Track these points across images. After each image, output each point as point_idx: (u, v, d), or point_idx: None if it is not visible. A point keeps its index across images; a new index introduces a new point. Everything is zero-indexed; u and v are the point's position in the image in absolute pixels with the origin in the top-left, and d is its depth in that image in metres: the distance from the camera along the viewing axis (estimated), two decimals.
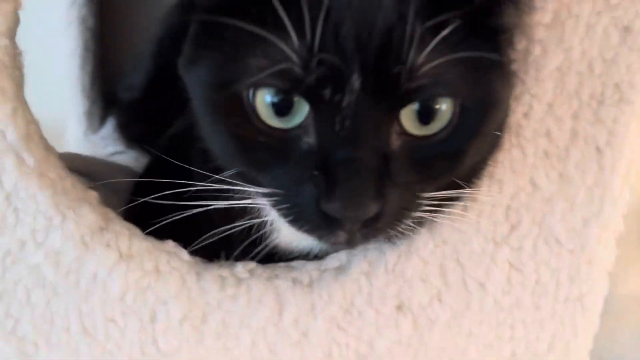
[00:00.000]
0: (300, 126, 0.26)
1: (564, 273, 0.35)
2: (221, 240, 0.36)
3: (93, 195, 0.31)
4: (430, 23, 0.25)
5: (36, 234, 0.29)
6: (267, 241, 0.35)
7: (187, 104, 0.48)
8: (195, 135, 0.34)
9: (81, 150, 0.58)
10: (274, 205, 0.28)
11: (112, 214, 0.31)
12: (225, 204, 0.30)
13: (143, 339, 0.32)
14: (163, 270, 0.31)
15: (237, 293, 0.32)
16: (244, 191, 0.31)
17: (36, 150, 0.29)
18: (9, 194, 0.28)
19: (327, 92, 0.25)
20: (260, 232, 0.34)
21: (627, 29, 0.31)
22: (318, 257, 0.36)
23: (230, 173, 0.30)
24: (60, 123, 0.64)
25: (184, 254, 0.32)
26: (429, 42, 0.25)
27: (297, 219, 0.27)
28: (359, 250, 0.34)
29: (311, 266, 0.33)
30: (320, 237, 0.28)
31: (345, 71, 0.25)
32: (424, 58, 0.25)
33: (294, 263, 0.34)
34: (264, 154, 0.27)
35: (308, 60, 0.25)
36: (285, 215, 0.28)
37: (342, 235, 0.27)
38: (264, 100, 0.26)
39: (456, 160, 0.28)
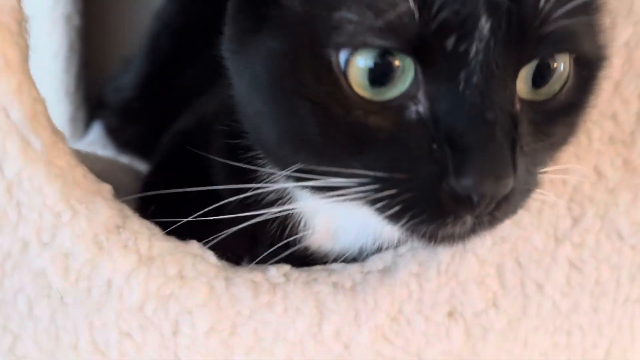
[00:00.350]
0: (404, 95, 0.22)
1: (625, 271, 0.32)
2: (244, 243, 0.32)
3: (107, 188, 0.27)
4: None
5: (41, 233, 0.25)
6: (298, 242, 0.31)
7: (195, 96, 0.44)
8: (222, 130, 0.30)
9: None
10: (369, 197, 0.22)
11: (129, 211, 0.27)
12: (277, 210, 0.26)
13: (164, 355, 0.27)
14: (188, 276, 0.27)
15: (272, 300, 0.28)
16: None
17: (44, 133, 0.24)
18: (11, 184, 0.24)
19: (450, 42, 0.20)
20: (291, 231, 0.30)
21: None
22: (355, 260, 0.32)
23: (295, 168, 0.24)
24: None
25: (211, 256, 0.28)
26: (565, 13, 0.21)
27: (406, 210, 0.22)
28: (406, 249, 0.30)
29: (353, 268, 0.30)
30: (437, 229, 0.22)
31: (473, 12, 0.20)
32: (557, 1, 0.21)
33: (334, 265, 0.30)
34: (360, 132, 0.22)
35: (429, 3, 0.20)
36: (386, 208, 0.22)
37: (469, 221, 0.22)
38: (358, 65, 0.21)
39: (575, 125, 0.24)
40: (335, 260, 0.32)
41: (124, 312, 0.27)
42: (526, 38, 0.21)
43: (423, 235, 0.23)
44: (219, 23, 0.33)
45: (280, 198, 0.29)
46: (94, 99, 0.61)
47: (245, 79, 0.26)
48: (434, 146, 0.21)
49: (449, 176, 0.21)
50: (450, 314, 0.30)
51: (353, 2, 0.21)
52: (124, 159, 0.53)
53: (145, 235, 0.27)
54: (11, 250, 0.25)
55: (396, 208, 0.22)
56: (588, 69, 0.23)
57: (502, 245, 0.30)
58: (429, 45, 0.20)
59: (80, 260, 0.25)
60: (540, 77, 0.22)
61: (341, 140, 0.22)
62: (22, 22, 0.24)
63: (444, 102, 0.21)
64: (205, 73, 0.36)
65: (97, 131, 0.57)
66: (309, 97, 0.22)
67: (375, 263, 0.30)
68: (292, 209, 0.29)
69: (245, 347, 0.28)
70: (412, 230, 0.22)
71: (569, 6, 0.21)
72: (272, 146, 0.26)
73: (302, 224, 0.31)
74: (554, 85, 0.23)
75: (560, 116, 0.23)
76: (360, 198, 0.23)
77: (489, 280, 0.30)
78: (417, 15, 0.20)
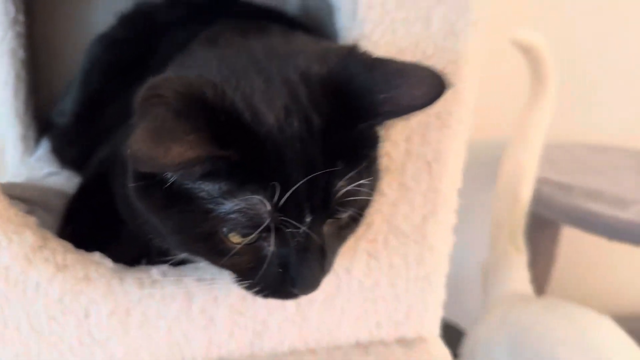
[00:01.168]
0: (261, 241, 0.35)
1: (411, 258, 0.46)
2: (141, 250, 0.45)
3: (32, 220, 0.39)
4: (345, 179, 0.34)
5: None
6: None
7: (113, 131, 0.55)
8: (121, 171, 0.42)
9: (19, 172, 0.65)
10: (240, 285, 0.37)
11: (49, 234, 0.39)
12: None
13: (80, 332, 0.40)
14: (92, 277, 0.40)
15: (152, 292, 0.41)
16: None
17: None
18: None
19: (287, 230, 0.33)
20: None
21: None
22: None
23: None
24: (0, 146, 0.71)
25: (109, 262, 0.41)
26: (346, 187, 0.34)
27: (261, 292, 0.36)
28: None
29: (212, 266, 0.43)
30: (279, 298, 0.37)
31: (300, 214, 0.33)
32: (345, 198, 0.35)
33: (200, 264, 0.43)
34: (236, 260, 0.35)
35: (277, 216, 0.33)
36: (249, 289, 0.37)
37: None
38: (235, 235, 0.34)
39: (357, 226, 0.38)
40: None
41: (50, 303, 0.39)
42: (330, 218, 0.35)
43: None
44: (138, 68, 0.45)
45: None
46: (43, 118, 0.72)
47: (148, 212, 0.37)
48: (280, 270, 0.35)
49: (288, 286, 0.35)
50: None
51: (233, 214, 0.33)
52: (66, 173, 0.64)
53: (61, 251, 0.39)
54: None
55: (255, 290, 0.36)
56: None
57: None
58: (277, 230, 0.33)
59: (16, 271, 0.38)
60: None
61: (220, 262, 0.36)
62: None
63: (284, 249, 0.34)
64: (125, 108, 0.43)
65: (44, 148, 0.68)
66: (200, 237, 0.35)
67: None
68: None
69: (137, 323, 0.41)
70: (269, 297, 0.37)
71: (351, 197, 0.35)
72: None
73: None
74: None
75: (347, 227, 0.38)
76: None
77: None
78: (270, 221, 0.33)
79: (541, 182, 0.73)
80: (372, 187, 0.37)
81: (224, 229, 0.34)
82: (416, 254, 0.45)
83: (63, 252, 0.39)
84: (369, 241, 0.44)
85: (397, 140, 0.42)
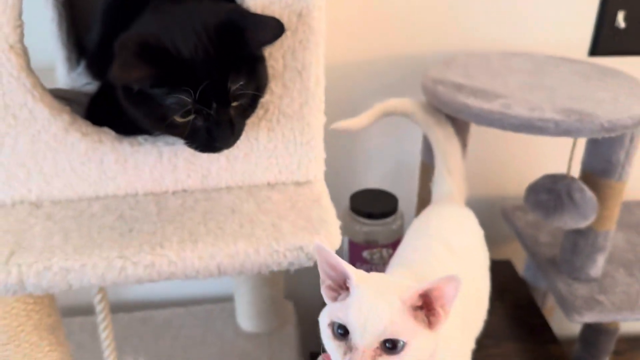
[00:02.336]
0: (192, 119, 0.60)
1: (297, 131, 0.73)
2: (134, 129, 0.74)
3: (67, 108, 0.69)
4: (236, 83, 0.59)
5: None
6: None
7: None
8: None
9: (65, 83, 0.95)
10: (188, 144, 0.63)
11: (77, 116, 0.69)
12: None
13: (98, 172, 0.71)
14: (103, 140, 0.70)
15: (139, 149, 0.70)
16: None
17: (41, 88, 0.66)
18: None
19: (206, 112, 0.59)
20: None
21: (299, 15, 0.67)
22: None
23: None
24: (53, 65, 1.01)
25: (113, 132, 0.70)
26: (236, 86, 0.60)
27: (197, 148, 0.62)
28: None
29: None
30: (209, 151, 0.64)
31: (210, 104, 0.58)
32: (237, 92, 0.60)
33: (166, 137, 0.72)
34: (179, 130, 0.61)
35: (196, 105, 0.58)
36: (190, 145, 0.63)
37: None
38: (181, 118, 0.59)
39: (254, 108, 0.65)
40: None
41: (80, 155, 0.69)
42: (231, 103, 0.60)
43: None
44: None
45: None
46: (81, 44, 1.01)
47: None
48: (206, 135, 0.61)
49: (213, 143, 0.62)
50: None
51: (173, 105, 0.60)
52: (97, 83, 0.93)
53: (84, 125, 0.69)
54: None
55: (194, 147, 0.63)
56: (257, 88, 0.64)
57: None
58: (200, 112, 0.60)
59: (59, 137, 0.68)
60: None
61: (172, 133, 0.63)
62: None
63: (207, 123, 0.61)
64: None
65: (82, 66, 0.98)
66: (158, 120, 0.61)
67: None
68: None
69: (131, 167, 0.71)
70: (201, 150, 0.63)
71: (241, 92, 0.61)
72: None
73: None
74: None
75: (247, 109, 0.64)
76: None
77: None
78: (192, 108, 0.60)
79: (437, 82, 0.98)
80: (258, 87, 0.65)
81: (170, 113, 0.62)
82: (299, 128, 0.73)
83: (86, 125, 0.69)
84: (267, 121, 0.72)
85: (277, 57, 0.68)
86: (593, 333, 1.38)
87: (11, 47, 0.62)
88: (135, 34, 0.61)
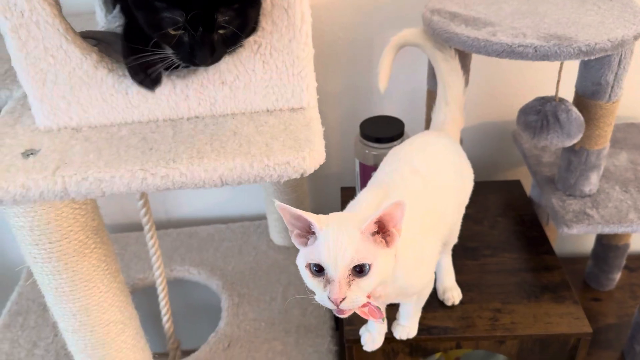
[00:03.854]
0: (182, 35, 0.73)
1: (288, 62, 0.83)
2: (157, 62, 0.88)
3: (96, 48, 0.83)
4: (223, 15, 0.71)
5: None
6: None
7: None
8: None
9: (102, 25, 1.10)
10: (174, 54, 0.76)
11: (104, 55, 0.83)
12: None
13: (124, 101, 0.85)
14: (126, 74, 0.84)
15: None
16: None
17: (73, 32, 0.80)
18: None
19: (192, 33, 0.71)
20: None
21: None
22: None
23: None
24: (92, 9, 1.16)
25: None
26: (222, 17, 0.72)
27: (181, 60, 0.75)
28: None
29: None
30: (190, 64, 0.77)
31: (197, 28, 0.71)
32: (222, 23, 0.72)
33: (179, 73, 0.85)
34: (171, 40, 0.74)
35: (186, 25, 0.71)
36: (176, 56, 0.75)
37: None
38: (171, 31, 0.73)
39: (240, 39, 0.77)
40: None
41: (109, 87, 0.84)
42: (216, 27, 0.73)
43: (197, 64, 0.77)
44: None
45: None
46: None
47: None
48: (189, 50, 0.74)
49: (195, 59, 0.74)
50: (223, 83, 0.85)
51: (169, 19, 0.73)
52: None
53: (110, 62, 0.83)
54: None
55: (179, 58, 0.76)
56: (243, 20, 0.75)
57: None
58: (187, 32, 0.73)
59: (89, 71, 0.83)
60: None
61: (166, 42, 0.77)
62: None
63: (191, 41, 0.73)
64: None
65: (117, 9, 1.12)
66: (159, 29, 0.74)
67: None
68: None
69: (151, 96, 0.86)
70: (188, 62, 0.77)
71: (226, 24, 0.73)
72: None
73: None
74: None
75: (231, 38, 0.76)
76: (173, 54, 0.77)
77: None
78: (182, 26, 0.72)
79: (435, 11, 1.06)
80: (241, 25, 0.76)
81: (164, 25, 0.73)
82: (290, 60, 0.83)
83: (111, 62, 0.83)
84: (261, 54, 0.83)
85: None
86: (603, 249, 1.46)
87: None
88: None
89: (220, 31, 0.75)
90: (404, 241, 0.72)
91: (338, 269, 0.65)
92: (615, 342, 1.38)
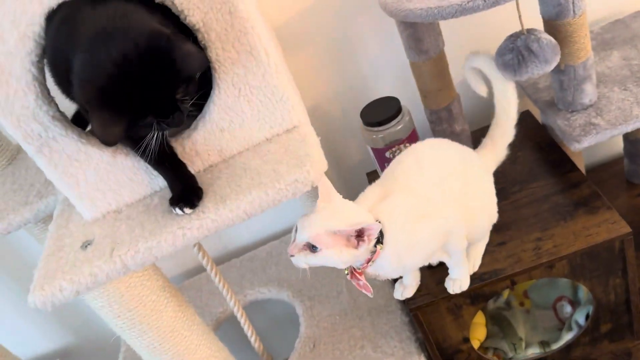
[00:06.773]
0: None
1: (268, 93, 0.94)
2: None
3: None
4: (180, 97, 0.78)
5: None
6: None
7: None
8: None
9: None
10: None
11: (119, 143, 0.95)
12: None
13: None
14: None
15: None
16: None
17: (85, 135, 0.92)
18: None
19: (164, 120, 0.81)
20: None
21: (230, 13, 0.86)
22: None
23: None
24: None
25: None
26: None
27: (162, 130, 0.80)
28: None
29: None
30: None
31: (167, 114, 0.79)
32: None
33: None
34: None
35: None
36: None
37: None
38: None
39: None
40: None
41: None
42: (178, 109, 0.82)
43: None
44: None
45: None
46: None
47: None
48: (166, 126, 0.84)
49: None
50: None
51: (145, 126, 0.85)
52: None
53: None
54: None
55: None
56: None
57: None
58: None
59: None
60: None
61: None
62: None
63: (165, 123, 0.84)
64: None
65: None
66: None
67: None
68: None
69: None
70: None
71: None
72: None
73: None
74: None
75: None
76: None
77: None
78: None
79: None
80: (197, 89, 0.86)
81: (144, 131, 0.83)
82: (269, 91, 0.91)
83: (125, 147, 0.95)
84: (243, 96, 0.92)
85: (229, 48, 0.88)
86: (632, 145, 1.49)
87: (54, 117, 0.88)
88: (89, 86, 0.74)
89: (184, 104, 0.82)
90: (392, 232, 0.94)
91: (298, 237, 0.91)
92: None
